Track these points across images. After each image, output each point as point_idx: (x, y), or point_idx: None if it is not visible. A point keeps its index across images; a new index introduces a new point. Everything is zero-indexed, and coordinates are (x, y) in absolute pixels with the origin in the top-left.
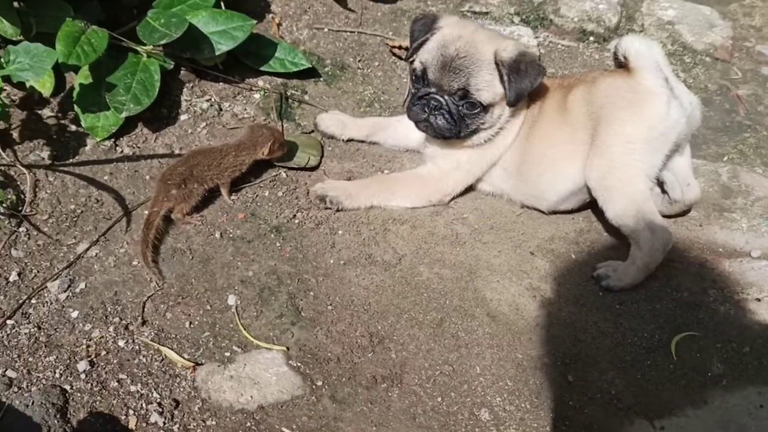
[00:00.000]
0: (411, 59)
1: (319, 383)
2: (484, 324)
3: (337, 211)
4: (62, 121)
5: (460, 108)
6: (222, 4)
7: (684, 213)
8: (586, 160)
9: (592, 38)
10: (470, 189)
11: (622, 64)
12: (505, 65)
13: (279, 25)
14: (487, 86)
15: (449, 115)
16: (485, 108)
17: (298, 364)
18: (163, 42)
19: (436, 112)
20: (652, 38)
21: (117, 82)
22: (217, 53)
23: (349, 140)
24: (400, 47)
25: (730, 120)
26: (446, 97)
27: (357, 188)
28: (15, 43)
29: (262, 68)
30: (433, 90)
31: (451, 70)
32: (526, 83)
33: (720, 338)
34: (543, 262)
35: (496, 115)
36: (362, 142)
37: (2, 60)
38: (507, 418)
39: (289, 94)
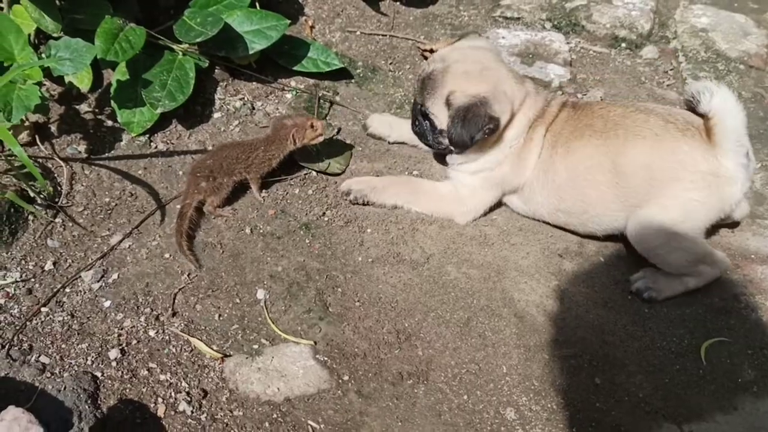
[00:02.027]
0: None
1: (346, 378)
2: (511, 324)
3: (363, 204)
4: (99, 117)
5: (425, 122)
6: (257, 4)
7: (733, 227)
8: (635, 217)
9: (624, 45)
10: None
11: (694, 110)
12: (452, 108)
13: (312, 27)
14: (438, 114)
15: (418, 124)
16: (441, 132)
17: (325, 358)
18: (198, 40)
19: (415, 119)
20: (728, 89)
21: (153, 78)
22: (251, 52)
23: (395, 143)
24: (431, 51)
25: (765, 127)
26: (418, 108)
27: (383, 183)
28: (56, 38)
29: (294, 68)
30: (416, 99)
31: (420, 85)
32: (464, 134)
33: (751, 345)
34: (571, 265)
35: (480, 145)
36: (403, 144)
37: (44, 54)
38: (533, 418)
39: (320, 94)
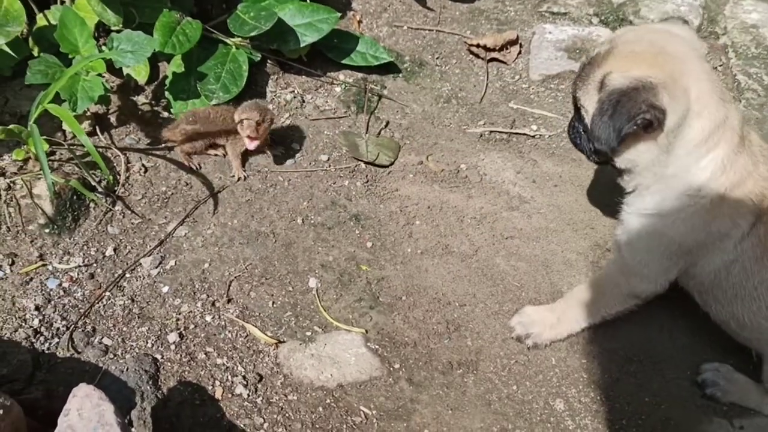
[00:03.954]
0: None
1: (397, 366)
2: None
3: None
4: (155, 108)
5: (578, 122)
6: None
7: None
8: None
9: None
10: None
11: None
12: (604, 91)
13: (359, 22)
14: (589, 107)
15: (572, 126)
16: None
17: (376, 346)
18: (252, 34)
19: (571, 123)
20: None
21: (207, 71)
22: (302, 45)
23: None
24: (477, 45)
25: None
26: (573, 110)
27: (556, 315)
28: (117, 32)
29: (343, 61)
30: None
31: (580, 73)
32: (609, 125)
33: None
34: None
35: (638, 153)
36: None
37: (105, 47)
38: (582, 410)
39: (369, 88)
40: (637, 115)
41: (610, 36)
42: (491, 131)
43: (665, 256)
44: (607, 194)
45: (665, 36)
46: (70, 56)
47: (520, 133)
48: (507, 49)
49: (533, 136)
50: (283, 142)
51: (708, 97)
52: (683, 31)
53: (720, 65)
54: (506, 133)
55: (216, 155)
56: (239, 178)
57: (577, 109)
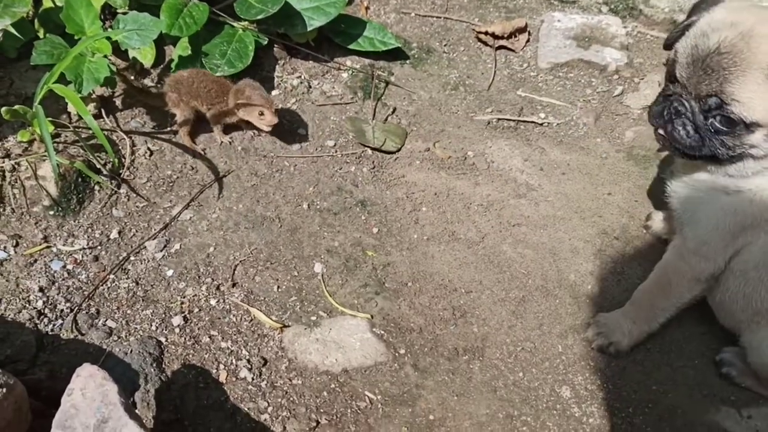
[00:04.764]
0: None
1: (402, 351)
2: (566, 304)
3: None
4: (161, 92)
5: (710, 120)
6: None
7: None
8: None
9: None
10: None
11: None
12: None
13: (367, 8)
14: (752, 98)
15: (692, 127)
16: (748, 126)
17: (382, 332)
18: (259, 17)
19: (675, 119)
20: None
21: (213, 49)
22: (310, 29)
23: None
24: (486, 33)
25: None
26: (692, 103)
27: (631, 318)
28: (122, 14)
29: (351, 47)
30: (678, 90)
31: (702, 68)
32: None
33: None
34: (629, 248)
35: None
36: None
37: (111, 29)
38: (588, 397)
39: (376, 74)
40: None
41: (717, 21)
42: (499, 119)
43: (730, 234)
44: (615, 183)
45: None
46: (75, 37)
47: (528, 121)
48: (515, 36)
49: (541, 124)
50: (290, 127)
51: None
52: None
53: None
54: (514, 120)
55: (223, 141)
56: (221, 142)
57: (720, 108)
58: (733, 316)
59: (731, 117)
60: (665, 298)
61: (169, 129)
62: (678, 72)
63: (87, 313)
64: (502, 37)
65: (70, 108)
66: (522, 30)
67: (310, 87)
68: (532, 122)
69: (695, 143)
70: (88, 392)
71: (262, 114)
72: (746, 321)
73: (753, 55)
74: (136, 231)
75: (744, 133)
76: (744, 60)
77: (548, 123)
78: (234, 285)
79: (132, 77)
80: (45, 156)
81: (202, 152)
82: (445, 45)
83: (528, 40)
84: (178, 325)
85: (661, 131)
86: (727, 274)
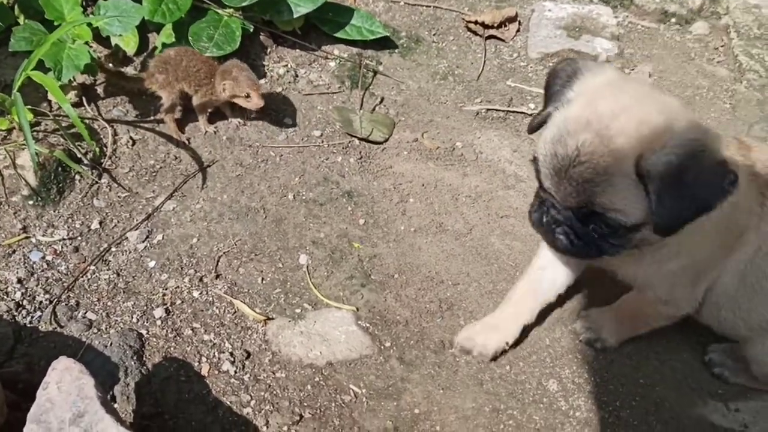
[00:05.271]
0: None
1: (388, 344)
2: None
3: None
4: (149, 72)
5: (591, 227)
6: None
7: None
8: None
9: (673, 20)
10: None
11: None
12: (654, 178)
13: None
14: (627, 204)
15: (574, 235)
16: (632, 228)
17: (367, 324)
18: (245, 4)
19: (556, 227)
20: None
21: (200, 32)
22: (296, 16)
23: None
24: (475, 22)
25: None
26: (567, 212)
27: (616, 320)
28: (104, 0)
29: (338, 35)
30: (551, 199)
31: (567, 181)
32: (691, 204)
33: None
34: None
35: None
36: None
37: (93, 15)
38: (575, 390)
39: (364, 63)
40: (723, 180)
41: (577, 120)
42: (488, 109)
43: (691, 282)
44: None
45: (620, 83)
46: (55, 23)
47: (518, 112)
48: (505, 26)
49: (530, 115)
50: (276, 117)
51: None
52: (610, 71)
53: (721, 46)
54: (503, 111)
55: (209, 131)
56: (206, 132)
57: (597, 216)
58: (733, 331)
59: (611, 224)
60: (646, 324)
61: (152, 118)
62: (543, 182)
63: (66, 305)
64: (491, 27)
65: (51, 96)
66: (512, 19)
67: (297, 76)
68: (522, 113)
69: (582, 249)
70: (63, 386)
71: (248, 96)
72: (747, 335)
73: (616, 161)
74: (118, 221)
75: (629, 233)
76: (608, 168)
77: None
78: (217, 277)
79: (110, 64)
80: (24, 145)
81: (187, 141)
82: (434, 34)
83: (518, 30)
84: (160, 318)
85: (548, 238)
86: (709, 302)
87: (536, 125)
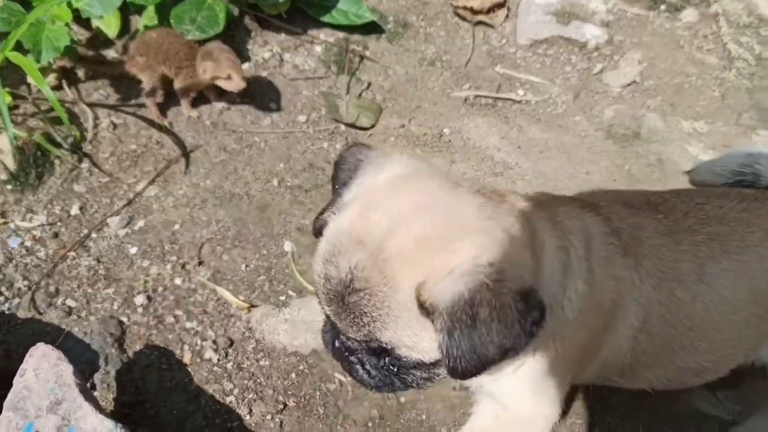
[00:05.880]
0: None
1: None
2: None
3: None
4: (130, 55)
5: (385, 360)
6: None
7: None
8: None
9: (663, 7)
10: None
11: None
12: (441, 313)
13: None
14: (417, 341)
15: (370, 365)
16: (432, 364)
17: None
18: None
19: (349, 355)
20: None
21: (182, 14)
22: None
23: None
24: (464, 8)
25: None
26: (354, 343)
27: None
28: None
29: (324, 19)
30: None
31: (344, 310)
32: (490, 348)
33: None
34: None
35: None
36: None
37: None
38: None
39: (350, 48)
40: (525, 314)
41: (346, 235)
42: (476, 95)
43: (565, 378)
44: (593, 162)
45: (418, 194)
46: (34, 4)
47: (506, 98)
48: (494, 11)
49: (519, 102)
50: (260, 102)
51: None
52: (400, 163)
53: (711, 34)
54: (492, 97)
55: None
56: (189, 116)
57: (384, 349)
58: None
59: (405, 361)
60: None
61: (134, 102)
62: (323, 307)
63: (45, 291)
64: (480, 12)
65: (30, 78)
66: (501, 5)
67: (282, 60)
68: (510, 99)
69: (382, 383)
70: (41, 373)
71: (229, 77)
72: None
73: (393, 291)
74: (99, 207)
75: (434, 368)
76: (386, 299)
77: (526, 100)
78: (200, 263)
79: (90, 50)
80: (2, 128)
81: (169, 125)
82: (422, 19)
83: (507, 16)
84: (141, 305)
85: (345, 366)
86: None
87: (317, 229)
